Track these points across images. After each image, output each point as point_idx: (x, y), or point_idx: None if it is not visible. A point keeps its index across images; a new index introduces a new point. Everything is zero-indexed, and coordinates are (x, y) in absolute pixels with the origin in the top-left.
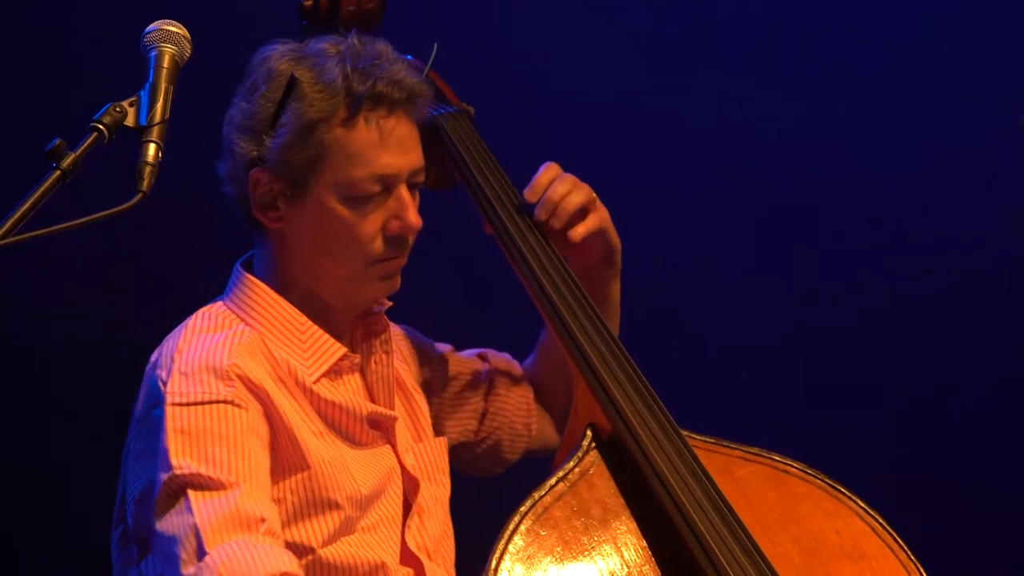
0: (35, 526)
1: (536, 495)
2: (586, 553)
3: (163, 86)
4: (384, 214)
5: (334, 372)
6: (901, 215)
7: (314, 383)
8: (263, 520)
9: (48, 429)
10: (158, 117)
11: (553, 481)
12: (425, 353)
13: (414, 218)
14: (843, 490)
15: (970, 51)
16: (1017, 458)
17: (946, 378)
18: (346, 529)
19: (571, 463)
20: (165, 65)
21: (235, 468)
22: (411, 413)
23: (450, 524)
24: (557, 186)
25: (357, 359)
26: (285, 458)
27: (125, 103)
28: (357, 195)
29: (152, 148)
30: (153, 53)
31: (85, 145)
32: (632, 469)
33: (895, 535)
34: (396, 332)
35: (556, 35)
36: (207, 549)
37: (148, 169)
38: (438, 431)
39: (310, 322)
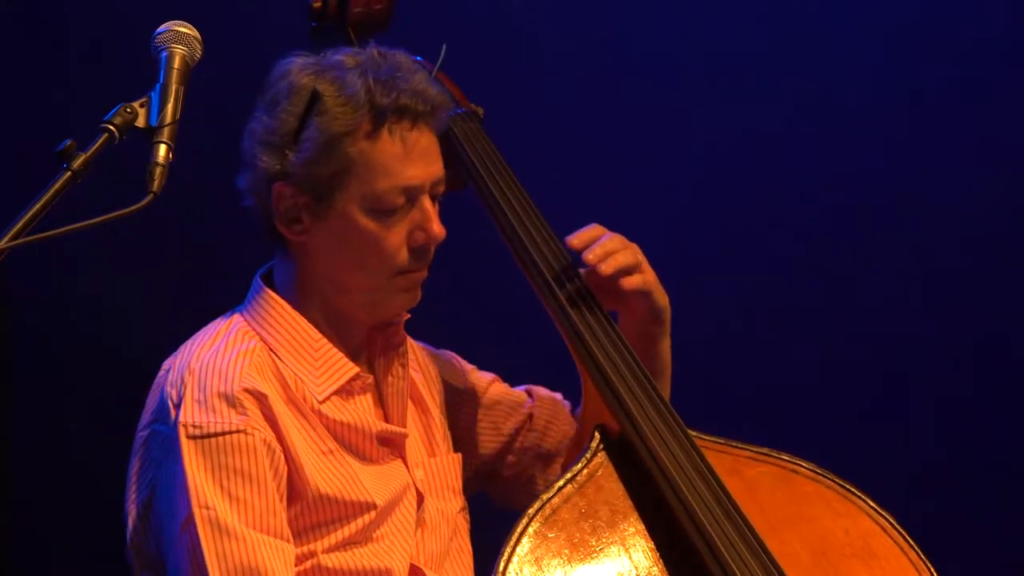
0: (49, 523)
1: (544, 497)
2: (594, 555)
3: (174, 87)
4: (408, 226)
5: (345, 392)
6: (913, 213)
7: (323, 402)
8: None
9: (63, 427)
10: (169, 118)
11: (561, 483)
12: (460, 377)
13: (438, 228)
14: (853, 489)
15: None
16: None
17: (955, 377)
18: (355, 539)
19: (579, 465)
20: (176, 66)
21: (253, 506)
22: (426, 427)
23: (463, 541)
24: (607, 242)
25: (370, 379)
26: (292, 481)
27: (136, 104)
28: (382, 208)
29: (163, 149)
30: (164, 54)
31: (96, 146)
32: (640, 470)
33: (905, 535)
34: (420, 349)
35: (565, 35)
36: None
37: (159, 170)
38: (460, 452)
39: (324, 340)
